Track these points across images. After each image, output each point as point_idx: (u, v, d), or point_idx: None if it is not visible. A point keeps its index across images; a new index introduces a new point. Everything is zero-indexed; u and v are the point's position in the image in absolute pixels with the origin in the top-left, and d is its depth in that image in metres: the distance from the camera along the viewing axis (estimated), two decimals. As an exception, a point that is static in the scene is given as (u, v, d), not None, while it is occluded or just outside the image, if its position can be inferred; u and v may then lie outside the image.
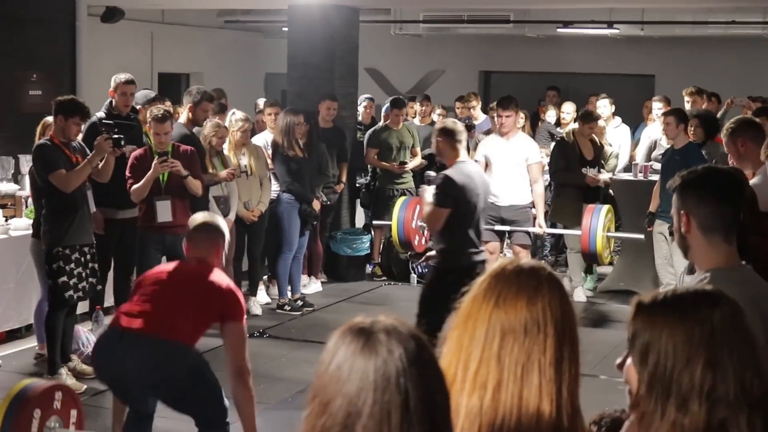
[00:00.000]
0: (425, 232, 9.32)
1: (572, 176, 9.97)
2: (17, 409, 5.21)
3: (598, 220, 8.58)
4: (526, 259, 7.80)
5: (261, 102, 11.62)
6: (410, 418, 1.60)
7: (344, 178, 10.81)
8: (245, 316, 4.93)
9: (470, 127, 11.75)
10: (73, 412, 5.52)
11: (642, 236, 9.15)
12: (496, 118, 8.97)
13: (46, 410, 5.31)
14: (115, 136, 7.05)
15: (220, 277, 4.95)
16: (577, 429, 1.97)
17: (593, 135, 10.19)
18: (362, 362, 1.62)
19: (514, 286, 2.02)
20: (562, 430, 1.94)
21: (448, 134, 6.57)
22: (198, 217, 5.30)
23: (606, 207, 8.94)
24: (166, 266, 5.16)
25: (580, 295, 9.90)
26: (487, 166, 9.14)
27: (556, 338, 1.98)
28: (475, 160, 9.41)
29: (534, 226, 9.20)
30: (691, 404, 1.91)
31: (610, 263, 10.15)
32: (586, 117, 10.28)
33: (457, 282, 6.81)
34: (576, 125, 10.48)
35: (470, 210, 6.51)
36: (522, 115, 12.33)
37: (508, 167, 9.09)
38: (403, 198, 9.58)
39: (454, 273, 6.43)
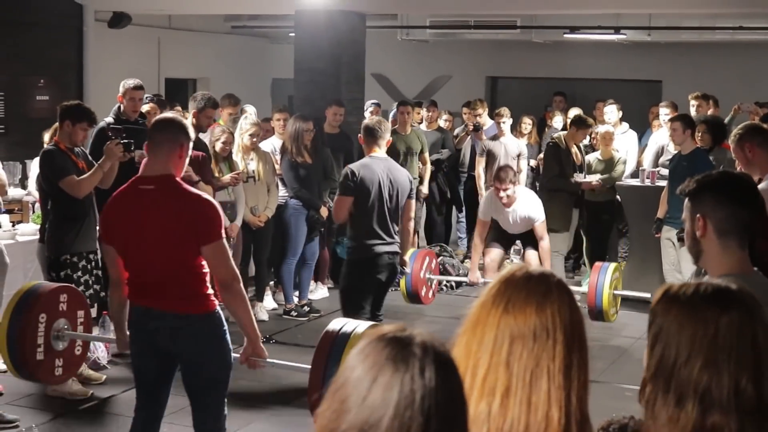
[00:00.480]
0: (433, 284, 9.38)
1: (566, 183, 10.03)
2: (22, 316, 5.20)
3: (605, 277, 8.57)
4: (535, 264, 7.91)
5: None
6: None
7: None
8: (222, 230, 4.72)
9: (477, 128, 11.78)
10: (80, 313, 5.55)
11: (648, 295, 9.00)
12: (494, 190, 9.01)
13: (52, 313, 5.32)
14: (125, 140, 7.05)
15: (184, 202, 4.68)
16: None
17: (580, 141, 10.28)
18: (390, 372, 1.58)
19: (524, 292, 2.00)
20: (571, 437, 1.93)
21: (369, 133, 6.99)
22: (162, 115, 5.16)
23: (613, 265, 8.87)
24: (129, 210, 4.75)
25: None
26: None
27: (566, 344, 1.97)
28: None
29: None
30: (686, 403, 1.93)
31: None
32: (581, 123, 10.33)
33: (365, 272, 7.10)
34: (567, 130, 10.56)
35: (369, 201, 6.79)
36: (529, 121, 12.38)
37: (513, 224, 9.14)
38: (412, 250, 9.65)
39: (361, 264, 6.88)
